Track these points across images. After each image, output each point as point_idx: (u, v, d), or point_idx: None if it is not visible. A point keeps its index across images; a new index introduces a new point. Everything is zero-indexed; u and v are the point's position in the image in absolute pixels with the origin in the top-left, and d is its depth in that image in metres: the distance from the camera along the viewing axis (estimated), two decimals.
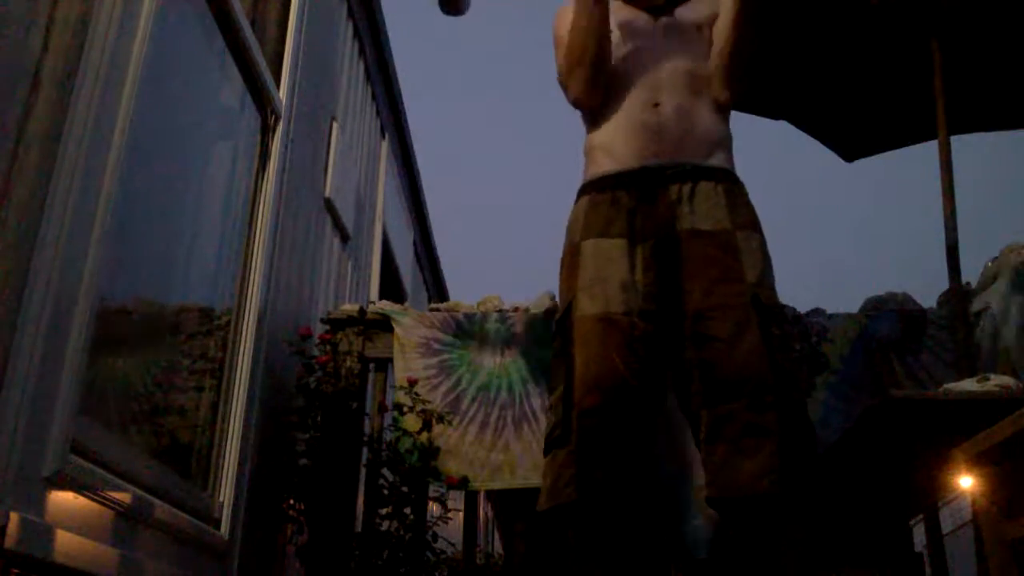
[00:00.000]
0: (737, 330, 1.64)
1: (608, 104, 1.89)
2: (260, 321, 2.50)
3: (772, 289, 1.75)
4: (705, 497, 1.62)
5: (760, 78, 3.11)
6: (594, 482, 1.62)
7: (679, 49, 1.89)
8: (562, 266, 1.84)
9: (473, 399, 2.92)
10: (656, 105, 1.83)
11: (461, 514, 3.12)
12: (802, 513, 1.64)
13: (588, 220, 1.81)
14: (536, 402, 2.91)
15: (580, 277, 1.77)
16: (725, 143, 1.89)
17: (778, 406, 1.60)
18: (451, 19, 2.44)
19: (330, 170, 3.47)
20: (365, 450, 2.78)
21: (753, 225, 1.80)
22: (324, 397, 2.73)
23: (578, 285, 1.77)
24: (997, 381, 2.03)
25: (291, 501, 2.68)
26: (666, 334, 1.71)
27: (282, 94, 2.80)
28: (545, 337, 3.02)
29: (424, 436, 2.74)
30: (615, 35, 1.91)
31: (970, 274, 3.21)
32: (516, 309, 3.09)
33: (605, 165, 1.85)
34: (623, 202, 1.79)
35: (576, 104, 1.95)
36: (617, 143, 1.85)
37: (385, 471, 2.71)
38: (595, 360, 1.68)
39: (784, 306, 1.85)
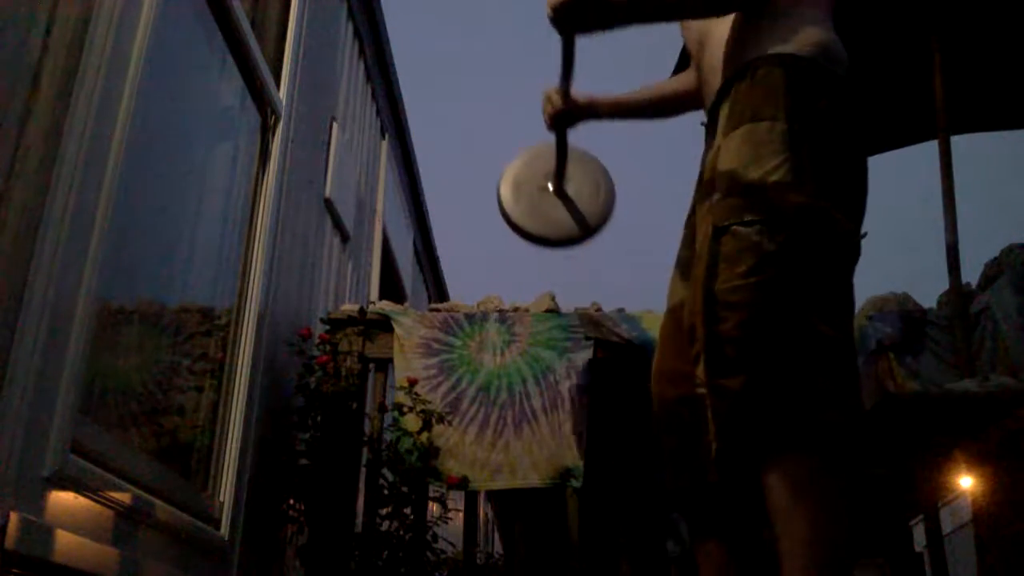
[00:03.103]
0: (697, 266, 1.40)
1: None
2: (260, 321, 2.50)
3: (750, 190, 1.37)
4: None
5: None
6: (672, 472, 1.53)
7: None
8: None
9: (473, 399, 2.92)
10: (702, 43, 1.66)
11: (461, 514, 3.12)
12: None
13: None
14: (536, 402, 2.91)
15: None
16: (751, 33, 1.52)
17: (707, 349, 1.31)
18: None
19: (330, 170, 3.47)
20: (365, 450, 2.78)
21: (746, 115, 1.44)
22: (324, 397, 2.73)
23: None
24: (997, 381, 2.03)
25: (291, 501, 2.68)
26: None
27: (282, 94, 2.80)
28: (545, 337, 3.02)
29: (424, 436, 2.74)
30: None
31: (970, 274, 3.21)
32: (516, 309, 3.10)
33: None
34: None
35: None
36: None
37: (385, 471, 2.71)
38: (657, 355, 1.61)
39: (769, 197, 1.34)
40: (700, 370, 1.34)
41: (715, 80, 1.58)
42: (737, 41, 1.55)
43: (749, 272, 1.31)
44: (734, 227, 1.35)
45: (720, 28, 1.60)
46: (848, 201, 1.42)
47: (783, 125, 1.39)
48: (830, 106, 1.44)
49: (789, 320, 1.29)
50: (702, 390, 1.35)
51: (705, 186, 1.49)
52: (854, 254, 1.41)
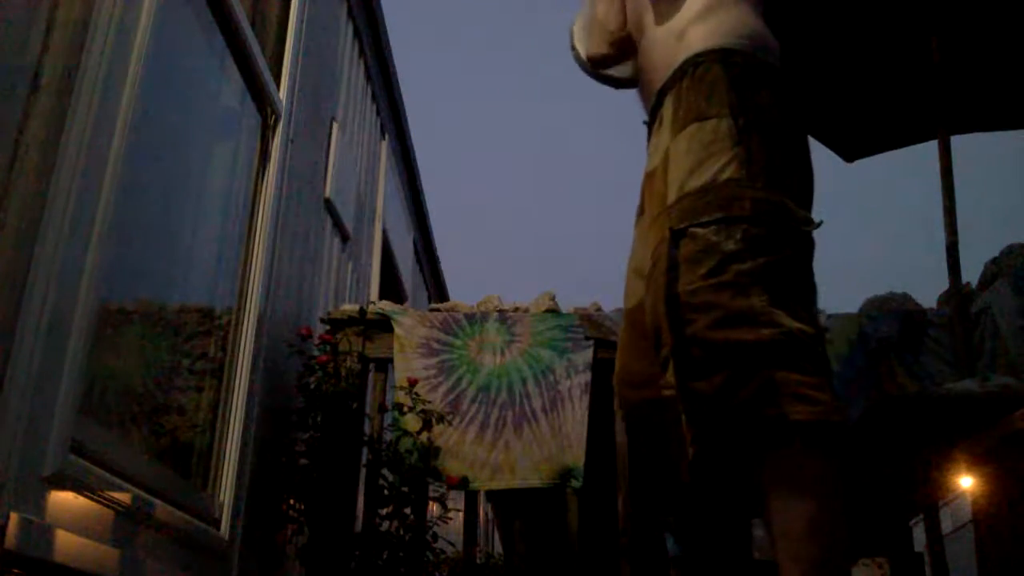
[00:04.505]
0: (654, 271, 1.39)
1: None
2: (260, 321, 2.50)
3: (704, 190, 1.35)
4: None
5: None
6: (644, 473, 1.55)
7: None
8: None
9: (473, 399, 2.92)
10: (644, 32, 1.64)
11: (461, 514, 3.12)
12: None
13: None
14: (536, 402, 2.91)
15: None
16: (694, 24, 1.52)
17: (676, 353, 1.31)
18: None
19: (330, 170, 3.47)
20: (365, 450, 2.78)
21: (690, 115, 1.43)
22: (324, 397, 2.73)
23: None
24: (997, 381, 2.03)
25: (291, 501, 2.68)
26: None
27: (282, 94, 2.80)
28: (545, 337, 3.02)
29: (424, 436, 2.74)
30: None
31: (970, 274, 3.21)
32: (516, 309, 3.10)
33: None
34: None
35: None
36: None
37: (385, 471, 2.71)
38: (618, 359, 1.60)
39: (731, 199, 1.33)
40: (670, 374, 1.33)
41: (654, 78, 1.57)
42: (672, 39, 1.54)
43: (710, 273, 1.30)
44: (691, 229, 1.34)
45: (655, 24, 1.60)
46: (799, 190, 1.41)
47: (728, 121, 1.39)
48: (771, 97, 1.44)
49: (755, 317, 1.27)
50: (669, 392, 1.35)
51: (656, 189, 1.48)
52: (811, 244, 1.39)
